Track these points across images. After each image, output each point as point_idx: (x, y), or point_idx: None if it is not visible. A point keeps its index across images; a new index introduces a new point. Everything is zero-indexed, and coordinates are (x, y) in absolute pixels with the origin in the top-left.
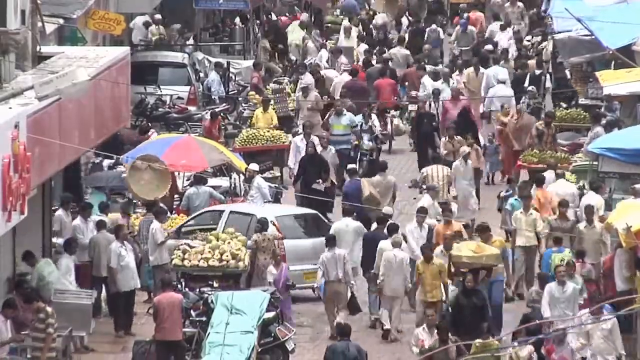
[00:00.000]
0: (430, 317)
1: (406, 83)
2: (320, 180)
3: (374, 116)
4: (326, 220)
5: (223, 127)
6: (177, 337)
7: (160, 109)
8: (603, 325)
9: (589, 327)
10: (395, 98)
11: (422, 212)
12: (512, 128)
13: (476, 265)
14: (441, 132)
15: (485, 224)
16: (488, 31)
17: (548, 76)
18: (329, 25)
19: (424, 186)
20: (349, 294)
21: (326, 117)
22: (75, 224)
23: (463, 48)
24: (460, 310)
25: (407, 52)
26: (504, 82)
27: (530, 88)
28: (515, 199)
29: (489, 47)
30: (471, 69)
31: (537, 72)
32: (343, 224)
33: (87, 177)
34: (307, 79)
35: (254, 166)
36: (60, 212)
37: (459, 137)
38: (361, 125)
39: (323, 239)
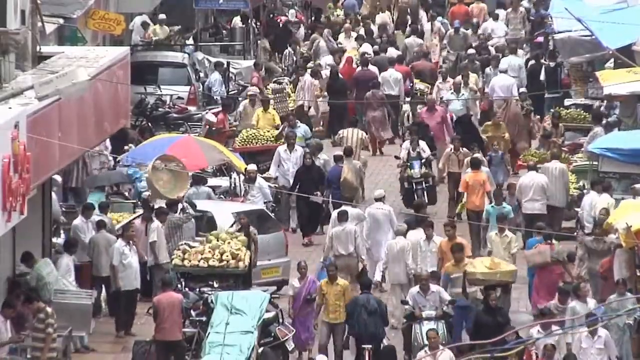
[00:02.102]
0: (433, 340)
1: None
2: (318, 193)
3: (422, 142)
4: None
5: None
6: (177, 337)
7: (160, 109)
8: (548, 340)
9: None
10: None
11: (431, 225)
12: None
13: (491, 282)
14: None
15: (462, 244)
16: (482, 28)
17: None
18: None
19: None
20: (360, 267)
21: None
22: (75, 224)
23: (456, 52)
24: (481, 329)
25: (422, 41)
26: (505, 72)
27: (522, 90)
28: (492, 206)
29: (471, 50)
30: (475, 75)
31: (552, 64)
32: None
33: (87, 178)
34: (306, 79)
35: (253, 167)
36: (78, 221)
37: (464, 149)
38: (409, 152)
39: (273, 234)
